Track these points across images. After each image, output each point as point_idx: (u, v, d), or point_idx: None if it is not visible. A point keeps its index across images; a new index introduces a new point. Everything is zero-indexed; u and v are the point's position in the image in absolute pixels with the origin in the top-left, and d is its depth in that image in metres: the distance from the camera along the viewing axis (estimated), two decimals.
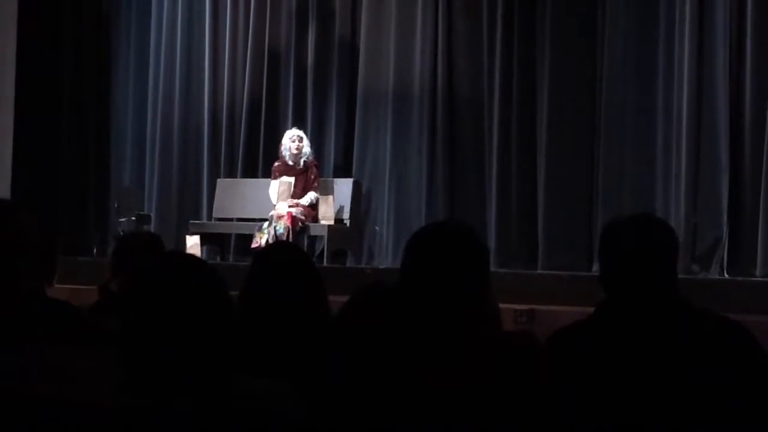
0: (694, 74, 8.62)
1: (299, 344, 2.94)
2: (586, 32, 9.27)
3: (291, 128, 10.03)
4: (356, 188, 10.11)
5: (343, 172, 10.33)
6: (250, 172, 10.73)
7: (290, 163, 9.76)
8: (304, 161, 9.79)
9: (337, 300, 2.85)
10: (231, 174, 10.88)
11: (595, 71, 9.22)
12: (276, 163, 9.91)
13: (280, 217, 9.39)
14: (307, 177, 9.78)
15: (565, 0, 9.33)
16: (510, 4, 9.57)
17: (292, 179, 9.69)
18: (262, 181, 10.25)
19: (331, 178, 10.18)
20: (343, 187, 10.06)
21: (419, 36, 10.02)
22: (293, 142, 9.75)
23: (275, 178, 9.81)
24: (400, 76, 10.07)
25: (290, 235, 9.23)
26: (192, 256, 2.19)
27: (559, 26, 9.31)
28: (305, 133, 10.12)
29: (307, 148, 9.81)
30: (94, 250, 10.92)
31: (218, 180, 10.82)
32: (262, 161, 10.61)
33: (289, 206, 9.52)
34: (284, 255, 3.45)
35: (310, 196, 9.71)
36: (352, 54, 10.42)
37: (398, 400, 2.38)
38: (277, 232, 9.27)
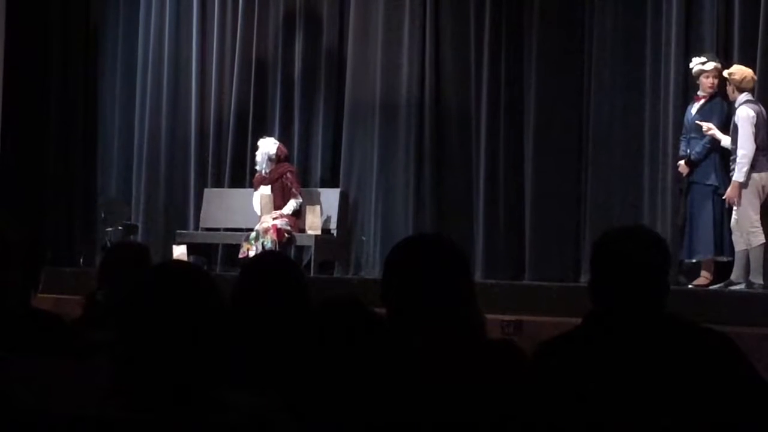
0: (681, 88, 8.65)
1: (286, 354, 2.94)
2: (573, 46, 9.30)
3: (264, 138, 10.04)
4: (343, 199, 10.11)
5: (330, 182, 10.33)
6: (238, 182, 10.72)
7: (264, 173, 9.79)
8: (267, 171, 9.78)
9: None
10: (218, 184, 10.87)
11: (582, 83, 9.25)
12: (256, 174, 9.95)
13: (266, 232, 9.38)
14: (282, 184, 9.75)
15: (552, 13, 9.35)
16: (497, 17, 9.59)
17: (268, 190, 9.66)
18: (249, 191, 10.24)
19: (318, 189, 10.19)
20: (330, 197, 10.06)
21: (406, 47, 10.03)
22: (256, 152, 9.83)
23: (255, 189, 9.83)
24: (387, 86, 10.08)
25: (278, 248, 9.22)
26: (192, 265, 2.18)
27: (546, 39, 9.34)
28: (292, 143, 10.13)
29: (259, 157, 9.80)
30: (81, 261, 10.88)
31: (205, 190, 10.81)
32: (249, 171, 10.60)
33: (273, 219, 9.51)
34: (272, 265, 3.45)
35: (292, 204, 9.70)
36: (339, 64, 10.43)
37: (381, 409, 2.38)
38: (266, 248, 9.25)
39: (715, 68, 8.08)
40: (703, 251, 8.07)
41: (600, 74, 9.15)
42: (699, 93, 8.20)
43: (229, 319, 2.08)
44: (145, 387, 1.91)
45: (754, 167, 7.74)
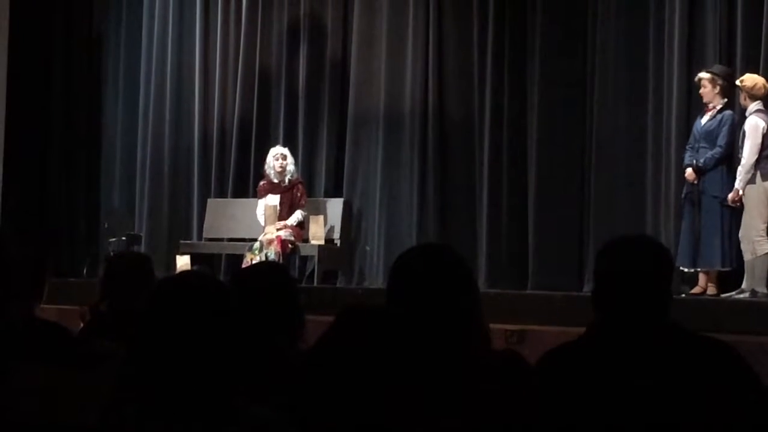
0: (684, 98, 8.65)
1: (273, 369, 2.92)
2: (576, 57, 9.30)
3: (275, 146, 9.98)
4: (347, 208, 10.11)
5: (333, 192, 10.33)
6: (241, 192, 10.73)
7: (275, 181, 9.73)
8: (289, 179, 9.73)
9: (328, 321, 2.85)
10: (221, 194, 10.87)
11: (585, 93, 9.25)
12: (261, 182, 9.89)
13: (270, 243, 9.35)
14: (293, 195, 9.73)
15: (555, 22, 9.36)
16: (501, 27, 9.60)
17: (276, 201, 9.62)
18: (252, 201, 10.24)
19: (321, 198, 10.19)
20: (334, 207, 10.06)
21: (410, 57, 10.04)
22: (277, 160, 9.71)
23: (261, 197, 9.79)
24: (390, 96, 10.09)
25: (281, 259, 9.20)
26: (210, 277, 2.17)
27: (549, 50, 9.34)
28: (296, 153, 10.11)
29: (291, 166, 9.75)
30: (85, 271, 10.88)
31: (209, 200, 10.82)
32: (252, 181, 10.61)
33: (277, 229, 9.48)
34: (263, 275, 3.41)
35: (297, 215, 9.68)
36: (343, 75, 10.44)
37: (383, 421, 2.38)
38: (269, 259, 9.22)
39: (702, 78, 8.07)
40: (710, 262, 8.06)
41: (603, 83, 9.15)
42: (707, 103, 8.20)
43: (240, 330, 2.07)
44: (153, 398, 1.90)
45: (763, 176, 7.73)
